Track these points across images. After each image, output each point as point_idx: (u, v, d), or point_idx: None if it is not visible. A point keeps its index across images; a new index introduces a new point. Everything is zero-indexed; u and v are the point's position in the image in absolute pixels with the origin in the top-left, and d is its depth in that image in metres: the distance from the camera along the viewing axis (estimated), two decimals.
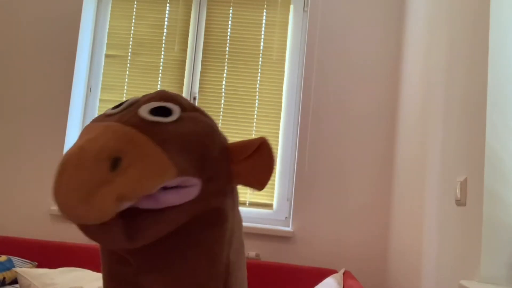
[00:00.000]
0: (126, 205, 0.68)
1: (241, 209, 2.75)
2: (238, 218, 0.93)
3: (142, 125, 0.73)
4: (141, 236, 0.73)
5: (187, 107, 0.85)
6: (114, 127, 0.71)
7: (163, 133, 0.74)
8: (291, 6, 2.86)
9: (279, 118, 2.78)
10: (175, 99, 0.84)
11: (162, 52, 2.90)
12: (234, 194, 0.90)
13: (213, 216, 0.82)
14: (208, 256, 0.81)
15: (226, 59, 2.86)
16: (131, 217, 0.72)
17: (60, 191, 0.64)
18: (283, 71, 2.82)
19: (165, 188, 0.74)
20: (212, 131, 0.83)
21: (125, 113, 0.77)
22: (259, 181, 0.83)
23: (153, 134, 0.72)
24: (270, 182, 2.73)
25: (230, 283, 0.86)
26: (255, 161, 0.83)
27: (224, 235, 0.84)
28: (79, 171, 0.65)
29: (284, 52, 2.83)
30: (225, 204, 0.84)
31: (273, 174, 2.73)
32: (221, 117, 2.81)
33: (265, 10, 2.87)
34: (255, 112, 2.80)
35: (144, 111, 0.76)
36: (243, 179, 0.84)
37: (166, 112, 0.79)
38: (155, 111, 0.78)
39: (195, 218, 0.80)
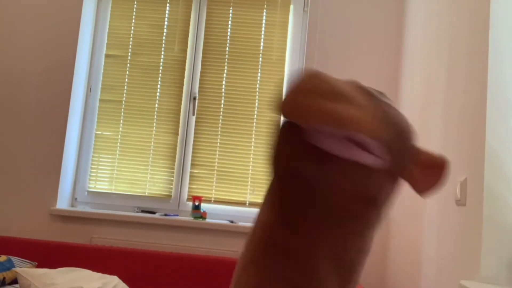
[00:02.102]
0: (324, 125, 0.70)
1: (242, 209, 2.75)
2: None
3: (363, 90, 0.82)
4: (327, 166, 0.76)
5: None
6: (348, 83, 0.82)
7: (379, 104, 0.81)
8: (291, 6, 2.86)
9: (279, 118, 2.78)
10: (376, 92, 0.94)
11: (162, 52, 2.90)
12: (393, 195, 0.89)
13: (374, 200, 0.81)
14: (354, 236, 0.81)
15: (226, 59, 2.86)
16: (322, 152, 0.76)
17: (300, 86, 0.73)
18: (283, 71, 2.82)
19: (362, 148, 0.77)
20: (411, 126, 0.90)
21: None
22: (425, 188, 0.88)
23: (372, 100, 0.81)
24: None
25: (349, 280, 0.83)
26: (430, 171, 0.88)
27: (363, 225, 0.82)
28: (315, 81, 0.74)
29: (284, 52, 2.83)
30: (388, 193, 0.83)
31: None
32: (221, 117, 2.81)
33: (265, 10, 2.87)
34: (255, 112, 2.80)
35: (368, 87, 0.86)
36: (415, 180, 0.89)
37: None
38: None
39: (360, 192, 0.79)
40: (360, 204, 0.80)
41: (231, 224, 2.60)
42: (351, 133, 0.71)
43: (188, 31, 2.90)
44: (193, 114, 2.84)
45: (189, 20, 2.92)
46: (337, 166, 0.77)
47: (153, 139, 2.85)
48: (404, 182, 0.90)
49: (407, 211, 2.19)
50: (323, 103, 0.70)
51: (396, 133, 0.83)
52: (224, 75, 2.85)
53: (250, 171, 2.76)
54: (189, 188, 2.80)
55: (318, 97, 0.70)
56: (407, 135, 0.85)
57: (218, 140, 2.80)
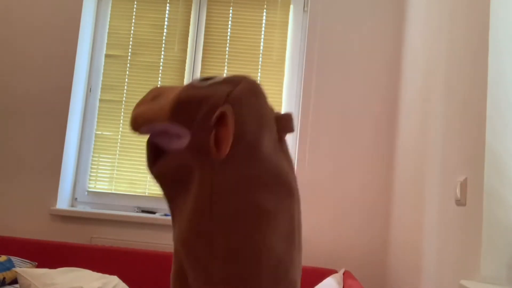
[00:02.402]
0: (142, 126, 0.95)
1: None
2: (228, 188, 0.94)
3: (187, 85, 0.97)
4: (156, 166, 0.97)
5: (230, 82, 0.99)
6: (181, 86, 1.00)
7: (186, 91, 0.95)
8: (291, 6, 2.86)
9: None
10: (234, 76, 1.02)
11: (162, 52, 2.91)
12: (224, 163, 0.95)
13: (195, 170, 0.94)
14: (192, 202, 0.92)
15: (226, 59, 2.86)
16: (159, 152, 0.98)
17: None
18: (283, 71, 2.82)
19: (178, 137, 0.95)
20: (212, 95, 0.95)
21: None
22: (215, 147, 0.93)
23: (182, 90, 0.94)
24: None
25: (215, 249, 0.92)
26: (219, 129, 0.94)
27: (201, 189, 0.92)
28: (144, 96, 1.00)
29: (284, 52, 2.83)
30: (204, 164, 0.93)
31: None
32: None
33: (265, 10, 2.87)
34: None
35: (198, 79, 1.00)
36: (209, 144, 0.94)
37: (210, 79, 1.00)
38: (204, 79, 0.99)
39: (182, 171, 0.96)
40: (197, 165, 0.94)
41: None
42: (150, 126, 0.93)
43: (188, 31, 2.90)
44: None
45: (189, 20, 2.92)
46: (165, 156, 0.97)
47: None
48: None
49: (407, 211, 2.20)
50: (134, 111, 0.97)
51: (188, 108, 0.94)
52: (224, 75, 2.84)
53: None
54: None
55: (134, 109, 0.97)
56: (199, 105, 0.94)
57: None
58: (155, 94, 0.99)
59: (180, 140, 0.94)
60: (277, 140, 1.03)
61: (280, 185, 0.97)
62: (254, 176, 0.95)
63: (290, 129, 1.06)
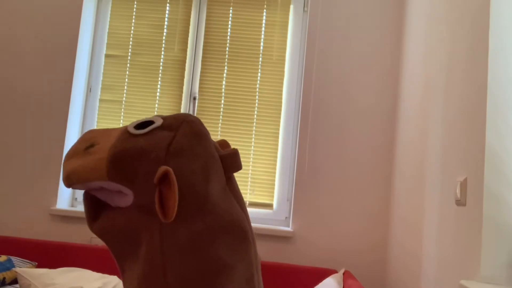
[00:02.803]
0: (76, 184, 0.88)
1: None
2: (181, 246, 0.87)
3: (123, 132, 0.91)
4: (99, 222, 0.91)
5: (170, 126, 0.91)
6: (116, 130, 0.93)
7: (123, 141, 0.88)
8: (291, 6, 2.86)
9: (279, 118, 2.78)
10: (172, 116, 0.95)
11: (162, 52, 2.90)
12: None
13: (141, 232, 0.88)
14: (143, 270, 0.86)
15: (226, 59, 2.86)
16: (99, 206, 0.92)
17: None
18: (283, 71, 2.82)
19: (120, 193, 0.89)
20: (151, 149, 0.87)
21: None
22: (162, 209, 0.84)
23: (118, 140, 0.88)
24: (270, 182, 2.74)
25: None
26: (163, 189, 0.85)
27: (151, 254, 0.86)
28: (76, 142, 0.93)
29: (284, 52, 2.83)
30: (151, 223, 0.87)
31: (273, 174, 2.73)
32: (221, 117, 2.82)
33: (265, 10, 2.87)
34: (255, 112, 2.80)
35: (132, 124, 0.93)
36: (155, 205, 0.85)
37: (148, 125, 0.92)
38: (141, 125, 0.93)
39: (129, 230, 0.89)
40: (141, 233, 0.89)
41: None
42: (86, 184, 0.87)
43: (188, 31, 2.90)
44: (193, 114, 2.84)
45: (189, 20, 2.92)
46: (109, 212, 0.91)
47: None
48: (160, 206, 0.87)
49: (407, 211, 2.19)
50: (64, 165, 0.91)
51: (134, 168, 0.86)
52: (224, 75, 2.85)
53: (250, 171, 2.76)
54: None
55: (67, 160, 0.91)
56: (139, 160, 0.86)
57: None
58: (88, 144, 0.90)
59: (123, 197, 0.88)
60: (225, 181, 0.96)
61: (234, 232, 0.91)
62: (206, 229, 0.88)
63: (238, 167, 0.98)
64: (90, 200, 0.92)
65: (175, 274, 0.85)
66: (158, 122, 0.91)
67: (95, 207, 0.92)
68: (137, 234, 0.88)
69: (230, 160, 0.97)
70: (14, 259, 2.39)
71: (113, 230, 0.89)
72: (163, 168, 0.82)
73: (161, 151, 0.86)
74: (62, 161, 0.87)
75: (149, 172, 0.85)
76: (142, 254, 0.87)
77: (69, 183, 0.89)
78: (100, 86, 2.92)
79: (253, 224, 2.63)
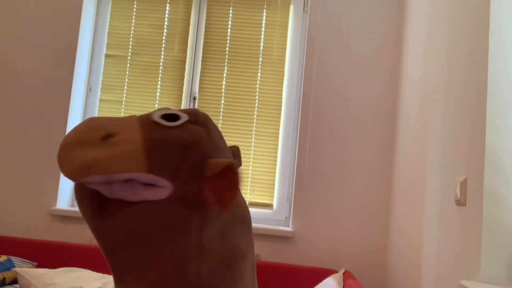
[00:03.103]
0: (91, 177, 0.79)
1: None
2: (214, 238, 0.88)
3: (146, 122, 0.86)
4: (116, 219, 0.83)
5: (197, 121, 0.91)
6: (129, 119, 0.87)
7: (155, 132, 0.84)
8: (291, 6, 2.86)
9: (279, 118, 2.78)
10: (191, 111, 0.94)
11: (162, 52, 2.90)
12: (208, 212, 0.88)
13: (179, 226, 0.84)
14: (173, 266, 0.83)
15: (226, 59, 2.86)
16: (104, 199, 0.85)
17: (63, 140, 0.83)
18: (283, 71, 2.82)
19: (145, 184, 0.83)
20: (197, 142, 0.86)
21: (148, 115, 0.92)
22: (221, 201, 0.84)
23: (147, 130, 0.84)
24: (270, 182, 2.74)
25: None
26: (221, 181, 0.84)
27: (187, 248, 0.84)
28: (78, 130, 0.83)
29: (284, 52, 2.83)
30: (192, 217, 0.85)
31: (273, 174, 2.73)
32: (221, 117, 2.82)
33: (265, 10, 2.87)
34: (255, 112, 2.80)
35: (156, 115, 0.88)
36: (209, 196, 0.85)
37: (175, 118, 0.89)
38: (166, 117, 0.89)
39: (163, 225, 0.84)
40: (167, 231, 0.84)
41: None
42: (112, 175, 0.79)
43: (188, 31, 2.90)
44: None
45: (189, 20, 2.92)
46: (131, 208, 0.83)
47: None
48: (206, 198, 0.86)
49: (407, 211, 2.20)
50: (72, 155, 0.79)
51: (176, 160, 0.83)
52: (224, 75, 2.85)
53: (250, 171, 2.76)
54: None
55: (75, 150, 0.80)
56: (188, 156, 0.84)
57: None
58: (103, 133, 0.83)
59: (156, 190, 0.83)
60: None
61: (246, 221, 0.96)
62: (232, 220, 0.91)
63: (239, 163, 1.04)
64: (91, 195, 0.85)
65: (208, 265, 0.85)
66: (185, 116, 0.91)
67: (97, 202, 0.86)
68: (167, 231, 0.84)
69: (237, 152, 1.04)
70: (14, 259, 2.39)
71: (138, 227, 0.83)
72: (226, 161, 0.83)
73: (207, 144, 0.88)
74: (62, 150, 0.80)
75: (196, 164, 0.84)
76: (170, 246, 0.83)
77: (85, 174, 0.78)
78: (100, 86, 2.93)
79: (253, 224, 2.63)
